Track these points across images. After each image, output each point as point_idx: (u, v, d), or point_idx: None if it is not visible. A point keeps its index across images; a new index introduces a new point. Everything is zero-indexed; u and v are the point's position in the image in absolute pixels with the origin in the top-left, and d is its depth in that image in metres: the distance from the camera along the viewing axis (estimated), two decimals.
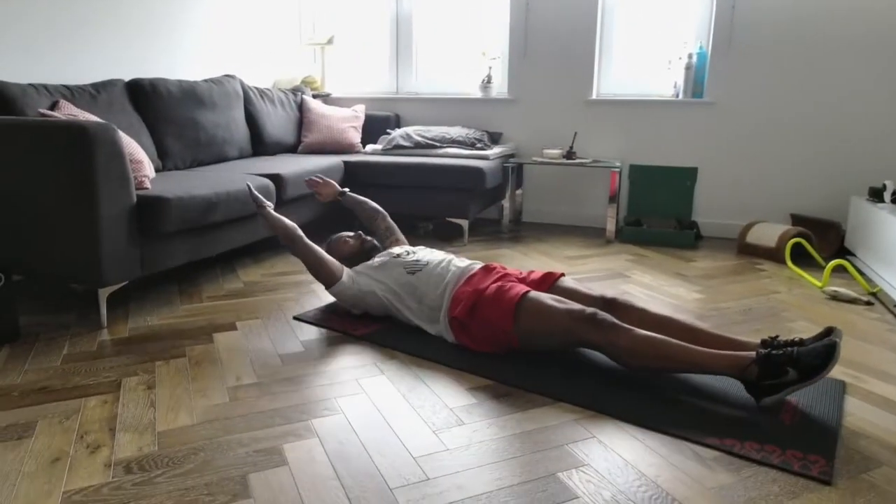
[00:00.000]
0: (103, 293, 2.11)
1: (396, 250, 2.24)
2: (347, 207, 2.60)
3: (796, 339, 1.55)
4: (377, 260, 2.20)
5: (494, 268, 2.05)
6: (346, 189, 2.58)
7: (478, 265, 2.07)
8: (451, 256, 2.16)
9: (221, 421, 1.51)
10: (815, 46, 3.30)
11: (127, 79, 3.10)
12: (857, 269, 2.87)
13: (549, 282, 2.01)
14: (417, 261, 2.12)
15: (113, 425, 1.49)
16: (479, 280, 1.97)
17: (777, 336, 1.59)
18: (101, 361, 1.85)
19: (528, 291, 1.84)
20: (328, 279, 2.11)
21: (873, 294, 2.58)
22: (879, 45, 3.19)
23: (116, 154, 2.02)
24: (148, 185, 2.31)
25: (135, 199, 2.13)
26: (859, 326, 2.21)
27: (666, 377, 1.74)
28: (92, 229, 1.99)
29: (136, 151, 2.34)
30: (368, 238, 2.41)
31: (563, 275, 2.03)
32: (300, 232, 2.15)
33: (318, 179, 2.57)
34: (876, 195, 2.96)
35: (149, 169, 2.37)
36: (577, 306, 1.75)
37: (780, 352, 1.52)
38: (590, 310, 1.72)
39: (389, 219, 2.54)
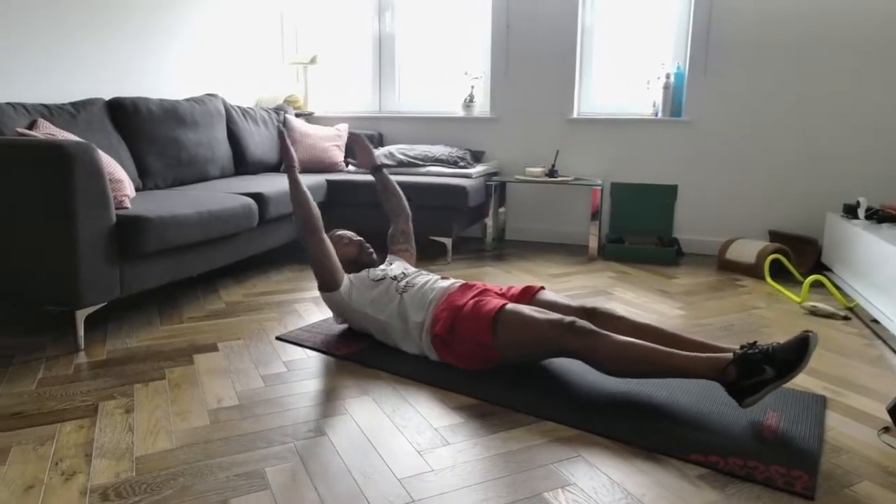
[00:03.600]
0: (81, 315, 2.07)
1: (395, 270, 2.17)
2: (377, 186, 2.44)
3: (774, 344, 1.57)
4: (377, 273, 2.13)
5: (474, 285, 2.05)
6: (385, 165, 2.34)
7: (458, 283, 2.07)
8: (436, 277, 2.15)
9: (202, 445, 1.48)
10: (789, 66, 3.39)
11: (107, 97, 3.07)
12: (834, 285, 2.92)
13: (528, 295, 2.02)
14: (408, 283, 2.08)
15: (89, 451, 1.45)
16: (458, 297, 1.97)
17: (755, 342, 1.60)
18: (78, 385, 1.81)
19: (505, 304, 1.85)
20: (329, 282, 2.06)
21: (850, 309, 2.63)
22: (850, 66, 3.28)
23: (96, 173, 2.00)
24: (128, 204, 2.28)
25: (114, 218, 2.10)
26: (837, 341, 2.25)
27: (647, 387, 1.75)
28: (70, 250, 1.96)
29: (116, 170, 2.32)
30: (369, 249, 2.30)
31: (542, 288, 2.04)
32: (320, 220, 2.06)
33: (364, 141, 2.39)
34: (850, 211, 3.02)
35: (129, 188, 2.35)
36: (555, 316, 1.76)
37: (756, 350, 1.55)
38: (568, 318, 1.73)
39: (411, 224, 2.45)
